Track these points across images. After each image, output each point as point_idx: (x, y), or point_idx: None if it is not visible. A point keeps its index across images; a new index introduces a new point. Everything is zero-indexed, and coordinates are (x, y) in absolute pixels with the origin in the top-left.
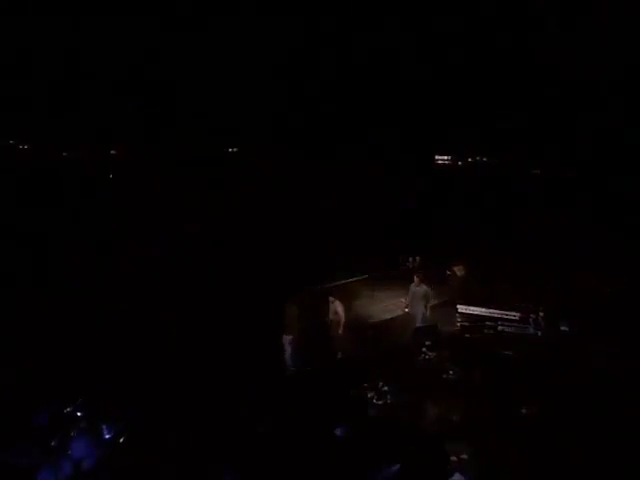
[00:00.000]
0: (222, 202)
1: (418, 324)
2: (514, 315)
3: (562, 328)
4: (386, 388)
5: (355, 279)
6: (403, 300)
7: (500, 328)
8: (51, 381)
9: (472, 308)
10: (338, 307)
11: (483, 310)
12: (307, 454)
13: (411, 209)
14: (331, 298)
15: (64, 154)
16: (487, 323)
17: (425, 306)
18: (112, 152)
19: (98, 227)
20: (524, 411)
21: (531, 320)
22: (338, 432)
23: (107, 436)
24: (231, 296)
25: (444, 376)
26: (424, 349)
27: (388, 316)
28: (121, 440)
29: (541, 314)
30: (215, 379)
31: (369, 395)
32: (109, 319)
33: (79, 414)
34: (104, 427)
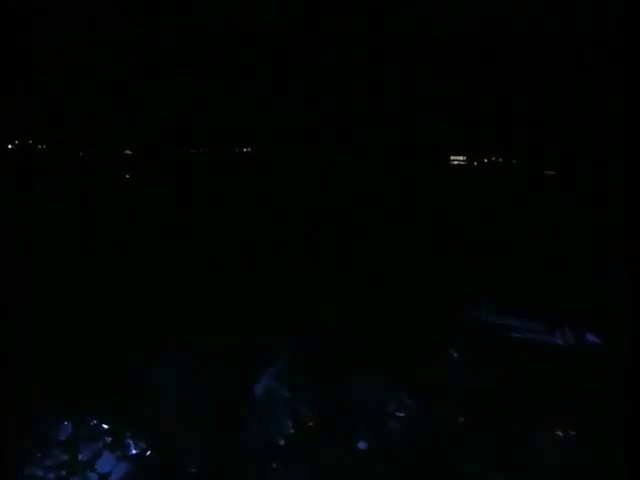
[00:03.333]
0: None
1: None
2: (538, 325)
3: (591, 340)
4: (410, 401)
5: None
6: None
7: (525, 339)
8: (75, 394)
9: (493, 317)
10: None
11: (504, 319)
12: (331, 469)
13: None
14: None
15: (80, 154)
16: (514, 335)
17: (431, 310)
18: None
19: (105, 227)
20: (560, 433)
21: (557, 331)
22: (361, 446)
23: (134, 451)
24: (234, 298)
25: (469, 389)
26: (447, 360)
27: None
28: (148, 454)
29: (568, 324)
30: (230, 389)
31: (390, 408)
32: (118, 324)
33: (105, 427)
34: (131, 441)
